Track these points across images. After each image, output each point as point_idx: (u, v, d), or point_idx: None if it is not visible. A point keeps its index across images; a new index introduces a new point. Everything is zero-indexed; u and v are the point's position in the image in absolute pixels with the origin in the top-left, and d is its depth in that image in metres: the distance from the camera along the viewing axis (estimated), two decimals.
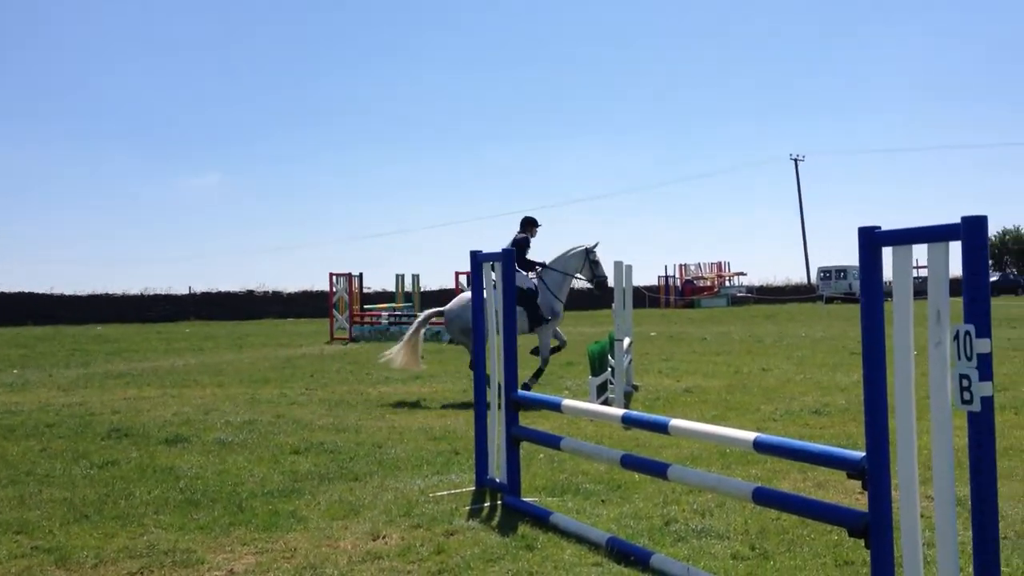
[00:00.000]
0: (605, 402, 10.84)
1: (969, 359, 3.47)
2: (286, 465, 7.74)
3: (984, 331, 3.47)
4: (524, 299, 11.77)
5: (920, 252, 3.80)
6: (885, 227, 3.91)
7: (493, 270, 6.71)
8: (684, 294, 54.96)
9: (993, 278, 68.21)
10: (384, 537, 5.59)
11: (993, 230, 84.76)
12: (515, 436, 6.25)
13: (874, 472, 3.83)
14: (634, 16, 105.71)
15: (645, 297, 55.09)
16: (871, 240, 3.93)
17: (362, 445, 8.57)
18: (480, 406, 6.80)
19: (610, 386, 11.09)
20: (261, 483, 7.08)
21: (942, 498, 3.59)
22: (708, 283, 56.24)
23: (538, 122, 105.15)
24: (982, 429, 3.47)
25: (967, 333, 3.48)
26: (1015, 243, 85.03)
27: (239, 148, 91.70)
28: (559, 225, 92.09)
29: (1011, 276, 72.51)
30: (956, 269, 3.56)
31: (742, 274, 58.84)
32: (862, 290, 4.00)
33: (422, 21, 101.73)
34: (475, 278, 6.95)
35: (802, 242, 70.19)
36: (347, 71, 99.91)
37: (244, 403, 11.84)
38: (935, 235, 3.67)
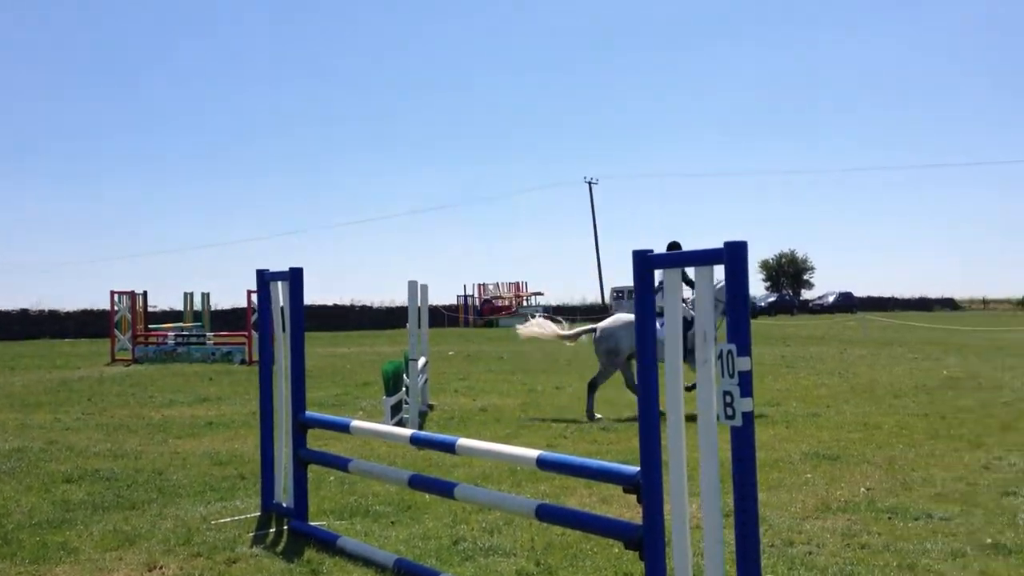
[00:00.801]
0: (400, 422, 10.81)
1: (732, 376, 3.66)
2: (57, 494, 7.30)
3: (744, 350, 3.66)
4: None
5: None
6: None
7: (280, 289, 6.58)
8: (483, 313, 55.58)
9: (771, 299, 72.41)
10: (161, 567, 5.36)
11: (771, 253, 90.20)
12: (302, 459, 6.14)
13: (648, 486, 3.98)
14: (432, 33, 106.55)
15: (444, 316, 55.37)
16: (645, 263, 4.10)
17: (141, 472, 8.19)
18: (266, 428, 6.64)
19: (405, 406, 11.07)
20: (29, 514, 6.65)
21: (709, 509, 3.77)
22: (506, 302, 57.07)
23: (327, 138, 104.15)
24: (743, 443, 3.66)
25: (729, 352, 3.67)
26: (790, 266, 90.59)
27: (14, 160, 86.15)
28: (351, 243, 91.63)
29: (787, 297, 77.19)
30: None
31: (539, 294, 60.07)
32: (636, 311, 4.16)
33: (178, 31, 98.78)
34: (261, 298, 6.80)
35: (596, 262, 72.57)
36: (138, 81, 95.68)
37: (13, 429, 11.10)
38: (701, 259, 3.87)
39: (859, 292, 78.05)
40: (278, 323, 6.63)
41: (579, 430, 10.41)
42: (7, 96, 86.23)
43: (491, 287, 57.93)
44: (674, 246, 13.05)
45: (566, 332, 12.83)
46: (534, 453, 4.49)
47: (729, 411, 3.68)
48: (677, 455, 3.93)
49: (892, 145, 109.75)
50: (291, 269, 6.43)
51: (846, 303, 72.55)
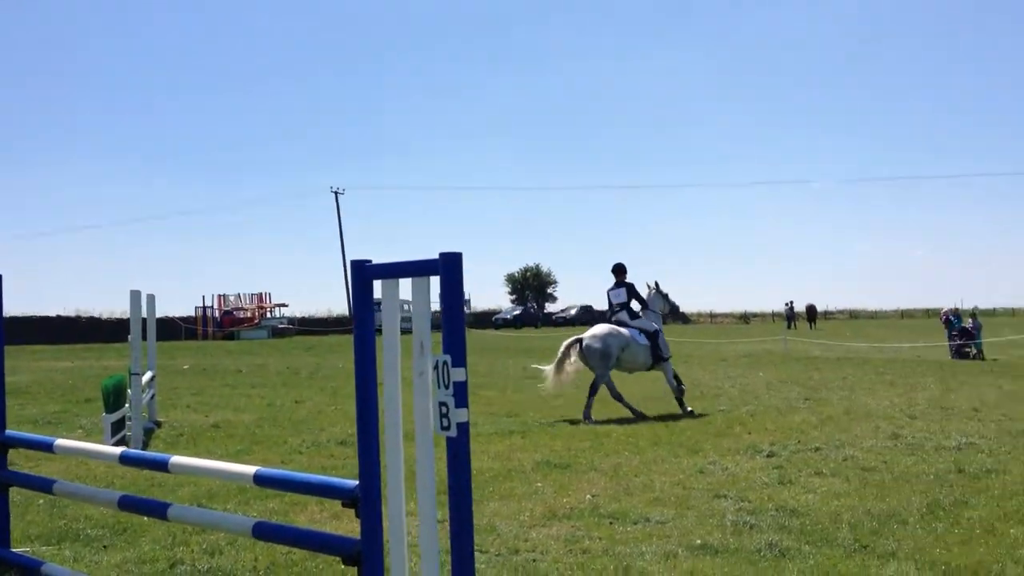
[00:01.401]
0: (122, 441, 10.21)
1: (447, 387, 3.65)
2: None
3: (460, 361, 3.67)
4: (651, 339, 13.99)
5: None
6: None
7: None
8: (223, 325, 53.74)
9: (516, 311, 74.29)
10: None
11: (517, 267, 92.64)
12: (2, 481, 5.63)
13: (366, 499, 3.91)
14: (165, 32, 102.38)
15: (181, 328, 53.17)
16: (362, 273, 4.04)
17: None
18: None
19: (128, 423, 10.47)
20: None
21: (426, 521, 3.75)
22: (249, 314, 55.48)
23: (54, 142, 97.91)
24: (459, 453, 3.66)
25: (445, 363, 3.67)
26: (535, 279, 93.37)
27: None
28: (79, 251, 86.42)
29: (531, 309, 79.33)
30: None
31: (284, 305, 58.85)
32: (355, 322, 4.09)
33: None
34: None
35: (343, 274, 71.71)
36: None
37: None
38: (418, 270, 3.85)
39: (599, 305, 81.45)
40: None
41: (315, 445, 10.21)
42: None
43: (232, 298, 56.12)
44: (617, 270, 14.58)
45: (557, 365, 14.05)
46: (251, 470, 4.31)
47: (444, 422, 3.66)
48: (395, 468, 3.89)
49: (627, 164, 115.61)
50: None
51: (588, 316, 75.46)
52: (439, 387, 3.68)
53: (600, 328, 14.17)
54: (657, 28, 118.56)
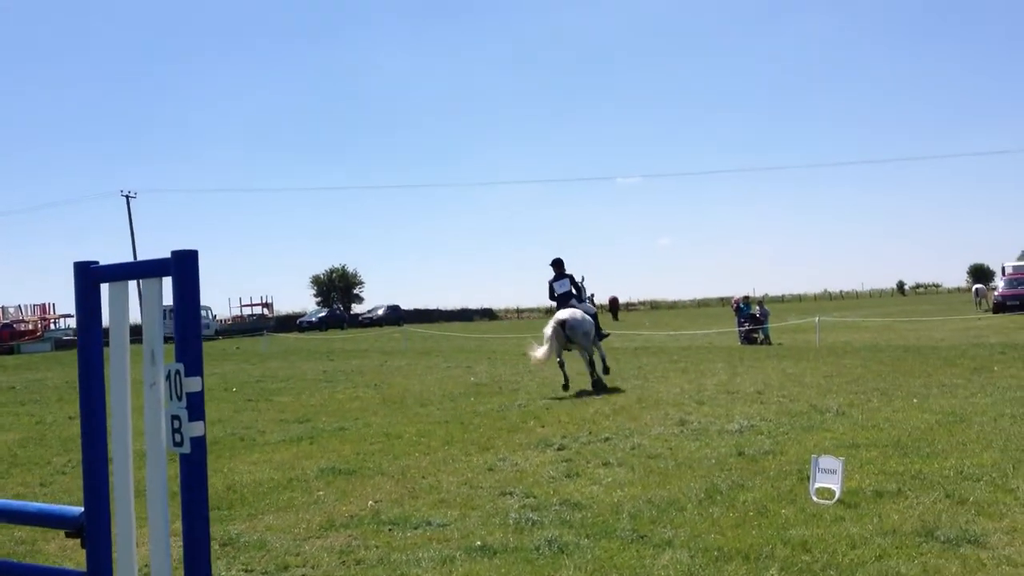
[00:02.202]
0: None
1: (180, 399, 3.31)
2: None
3: (195, 369, 3.33)
4: (595, 320, 16.27)
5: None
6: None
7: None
8: (2, 339, 50.26)
9: (322, 314, 73.03)
10: None
11: (323, 268, 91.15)
12: None
13: (92, 528, 3.52)
14: None
15: None
16: (89, 276, 3.65)
17: None
18: None
19: None
20: None
21: (157, 546, 3.39)
22: (31, 327, 52.11)
23: None
24: (193, 471, 3.32)
25: (177, 372, 3.32)
26: (341, 280, 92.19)
27: None
28: None
29: (337, 311, 78.19)
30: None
31: (70, 315, 55.58)
32: (79, 330, 3.69)
33: None
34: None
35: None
36: None
37: None
38: (149, 270, 3.49)
39: (407, 305, 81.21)
40: None
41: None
42: None
43: (12, 310, 52.54)
44: (557, 263, 16.48)
45: (546, 348, 15.62)
46: None
47: (177, 437, 3.32)
48: (124, 491, 3.51)
49: (431, 164, 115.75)
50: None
51: (395, 316, 75.03)
52: (171, 399, 3.33)
53: (576, 312, 15.86)
54: (446, 23, 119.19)
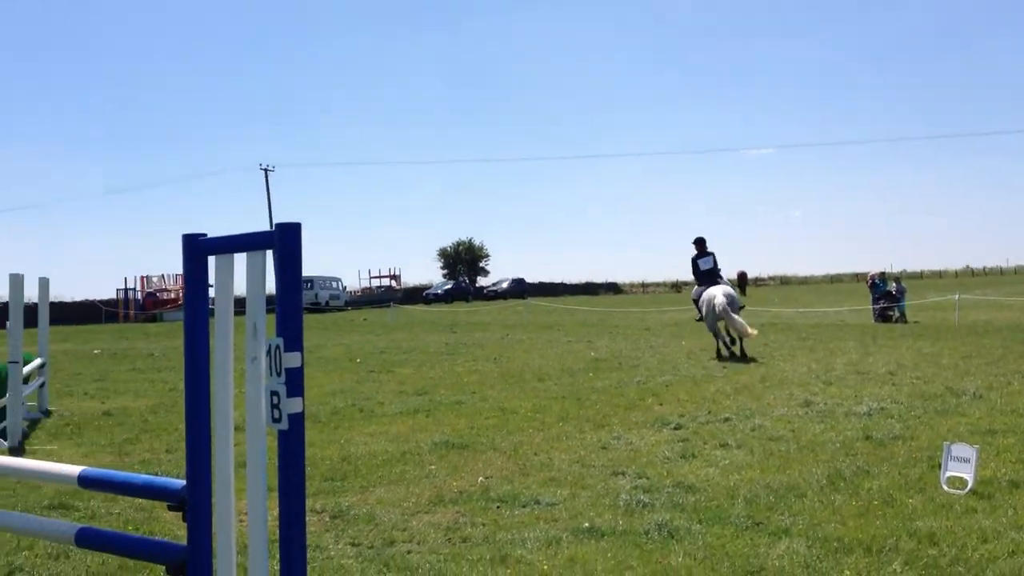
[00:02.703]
0: (1, 432, 9.65)
1: (279, 375, 3.28)
2: None
3: (294, 344, 3.30)
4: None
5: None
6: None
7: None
8: (145, 307, 52.39)
9: (447, 286, 73.80)
10: None
11: (449, 241, 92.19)
12: None
13: (193, 502, 3.54)
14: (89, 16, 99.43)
15: (102, 311, 51.80)
16: (196, 248, 3.66)
17: None
18: None
19: (7, 414, 9.88)
20: None
21: (255, 523, 3.38)
22: (172, 295, 54.16)
23: None
24: (291, 448, 3.29)
25: (277, 347, 3.29)
26: (467, 253, 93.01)
27: None
28: None
29: (463, 284, 78.83)
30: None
31: (210, 284, 57.56)
32: (186, 302, 3.71)
33: None
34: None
35: None
36: None
37: None
38: (253, 243, 3.47)
39: (532, 278, 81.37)
40: None
41: None
42: None
43: (155, 279, 54.66)
44: (700, 242, 17.64)
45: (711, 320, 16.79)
46: (76, 470, 3.90)
47: (276, 413, 3.30)
48: (224, 466, 3.52)
49: (558, 137, 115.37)
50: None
51: (519, 289, 75.26)
52: (271, 374, 3.31)
53: (728, 288, 16.96)
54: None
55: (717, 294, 16.51)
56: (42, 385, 11.71)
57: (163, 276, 55.13)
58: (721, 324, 16.60)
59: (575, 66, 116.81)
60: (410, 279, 77.86)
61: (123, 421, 10.74)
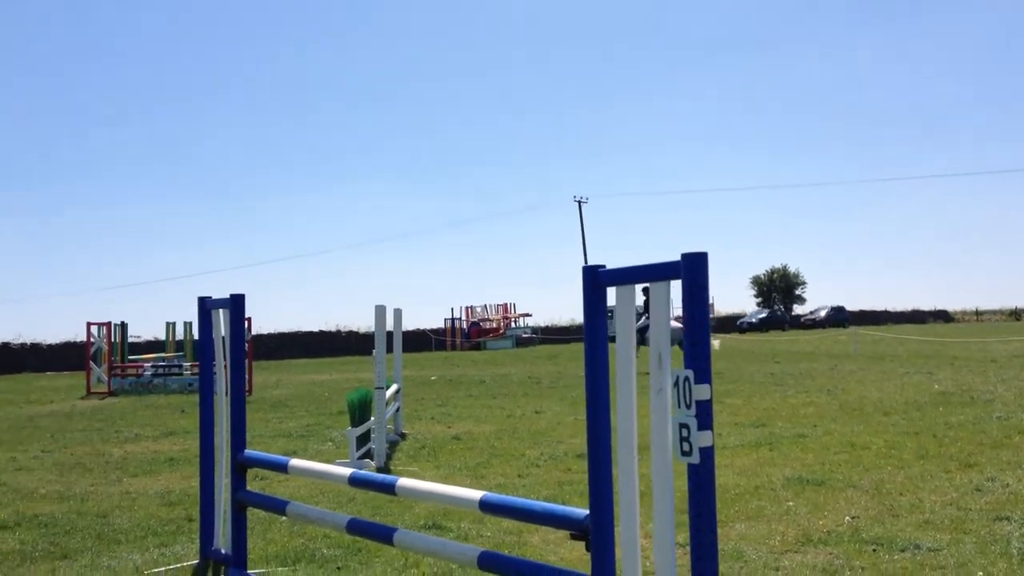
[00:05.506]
0: (367, 454, 10.34)
1: (688, 407, 3.22)
2: None
3: (704, 376, 3.22)
4: None
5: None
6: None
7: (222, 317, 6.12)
8: (470, 336, 54.96)
9: (762, 314, 72.02)
10: None
11: (762, 269, 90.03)
12: (240, 501, 5.65)
13: (597, 532, 3.54)
14: (404, 56, 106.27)
15: (431, 340, 54.85)
16: (595, 280, 3.68)
17: (84, 515, 7.68)
18: (206, 468, 6.16)
19: (373, 437, 10.58)
20: None
21: (663, 558, 3.33)
22: (494, 325, 56.49)
23: (311, 167, 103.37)
24: (702, 482, 3.22)
25: (686, 379, 3.23)
26: (782, 281, 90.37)
27: None
28: (339, 269, 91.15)
29: (778, 312, 76.66)
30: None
31: (527, 315, 59.51)
32: (586, 332, 3.73)
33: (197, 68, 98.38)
34: (202, 327, 6.32)
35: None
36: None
37: None
38: (656, 274, 3.44)
39: (852, 306, 77.82)
40: (219, 353, 6.15)
41: (552, 458, 9.94)
42: None
43: (479, 309, 57.32)
44: (646, 291, 16.23)
45: None
46: (477, 495, 4.03)
47: (685, 446, 3.24)
48: (629, 496, 3.49)
49: (881, 157, 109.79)
50: (232, 296, 5.96)
51: (838, 317, 72.21)
52: (679, 406, 3.25)
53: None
54: (888, 14, 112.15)
55: None
56: (397, 410, 12.47)
57: (485, 306, 57.73)
58: None
59: (893, 84, 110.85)
60: (723, 307, 76.63)
61: (472, 445, 11.20)
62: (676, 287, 3.41)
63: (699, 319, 3.26)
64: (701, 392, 3.20)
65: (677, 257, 3.32)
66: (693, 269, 3.27)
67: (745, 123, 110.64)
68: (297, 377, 28.95)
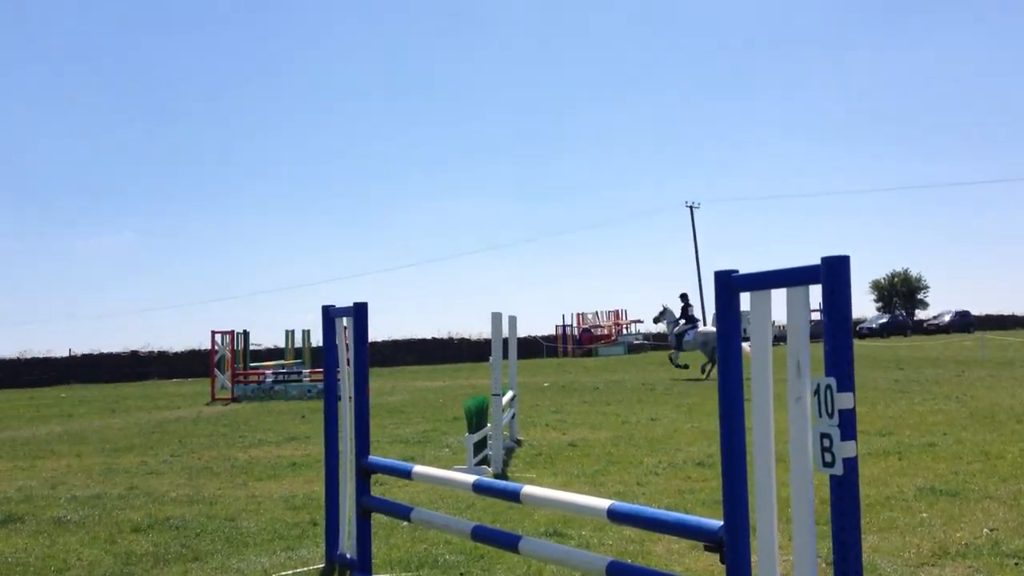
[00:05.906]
0: (484, 460, 10.35)
1: (831, 416, 3.09)
2: (123, 545, 7.00)
3: (847, 384, 3.09)
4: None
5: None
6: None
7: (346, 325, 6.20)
8: (582, 343, 54.84)
9: (883, 320, 69.96)
10: None
11: (882, 273, 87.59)
12: (365, 507, 5.70)
13: (732, 544, 3.43)
14: (509, 66, 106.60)
15: (543, 347, 54.91)
16: (728, 285, 3.57)
17: (213, 518, 7.87)
18: (331, 473, 6.24)
19: (489, 443, 10.59)
20: (89, 568, 6.34)
21: (803, 571, 3.20)
22: (606, 331, 56.25)
23: (434, 172, 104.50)
24: (845, 494, 3.08)
25: (828, 387, 3.10)
26: (903, 285, 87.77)
27: (105, 206, 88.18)
28: (453, 276, 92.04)
29: (900, 317, 74.34)
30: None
31: (639, 321, 59.01)
32: (719, 338, 3.63)
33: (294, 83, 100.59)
34: (326, 334, 6.43)
35: (698, 288, 70.86)
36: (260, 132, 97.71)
37: (98, 474, 10.97)
38: (794, 278, 3.32)
39: (977, 310, 75.01)
40: (343, 360, 6.24)
41: (671, 466, 9.78)
42: (95, 141, 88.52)
43: (590, 316, 57.16)
44: (683, 297, 17.67)
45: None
46: (604, 504, 3.96)
47: (827, 456, 3.11)
48: (766, 507, 3.37)
49: (1005, 157, 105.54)
50: (355, 304, 6.04)
51: (963, 322, 69.66)
52: (820, 415, 3.13)
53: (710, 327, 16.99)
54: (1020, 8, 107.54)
55: None
56: (513, 416, 12.47)
57: (596, 313, 57.55)
58: None
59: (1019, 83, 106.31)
60: None
61: (588, 452, 11.11)
62: (815, 292, 3.31)
63: (841, 325, 3.13)
64: (844, 401, 3.07)
65: (805, 262, 3.22)
66: (834, 273, 3.15)
67: (858, 124, 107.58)
68: (411, 383, 29.32)
